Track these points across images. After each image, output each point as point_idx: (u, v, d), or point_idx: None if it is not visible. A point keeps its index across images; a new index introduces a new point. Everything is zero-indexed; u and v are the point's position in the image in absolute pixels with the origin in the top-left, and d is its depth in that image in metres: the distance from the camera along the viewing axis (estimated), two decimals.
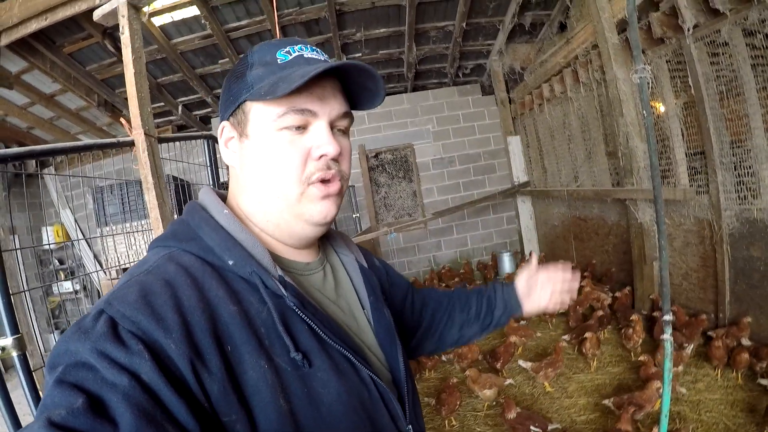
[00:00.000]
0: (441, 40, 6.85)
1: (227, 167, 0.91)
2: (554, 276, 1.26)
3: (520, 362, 3.87)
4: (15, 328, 1.69)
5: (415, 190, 8.26)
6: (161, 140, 3.09)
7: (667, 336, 1.85)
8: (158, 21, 5.20)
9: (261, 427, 0.66)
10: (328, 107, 0.82)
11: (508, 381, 3.77)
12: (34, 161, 7.02)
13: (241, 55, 0.88)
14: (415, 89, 8.21)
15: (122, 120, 2.88)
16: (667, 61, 4.04)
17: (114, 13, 2.93)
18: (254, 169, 0.82)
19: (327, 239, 1.04)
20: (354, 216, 7.72)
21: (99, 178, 5.80)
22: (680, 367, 3.37)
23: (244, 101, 0.81)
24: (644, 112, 1.86)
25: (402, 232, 7.83)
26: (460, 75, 7.94)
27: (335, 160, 0.84)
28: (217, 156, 3.55)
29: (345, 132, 0.89)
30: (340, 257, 1.03)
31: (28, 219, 7.40)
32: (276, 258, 0.84)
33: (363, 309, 0.96)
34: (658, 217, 1.94)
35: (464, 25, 6.28)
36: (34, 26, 4.01)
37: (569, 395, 3.60)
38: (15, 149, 1.94)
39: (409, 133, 8.10)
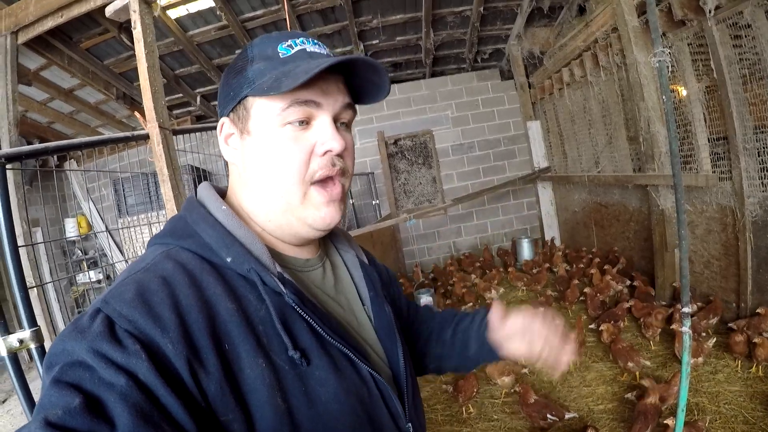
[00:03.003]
0: (458, 25, 6.77)
1: (226, 163, 0.90)
2: (530, 327, 1.02)
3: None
4: (33, 321, 1.73)
5: (435, 177, 8.24)
6: (176, 132, 3.11)
7: (686, 329, 1.81)
8: (174, 14, 5.22)
9: (258, 427, 0.65)
10: (332, 99, 0.80)
11: (525, 369, 3.77)
12: (53, 158, 7.15)
13: (239, 50, 0.87)
14: (433, 75, 8.15)
15: (137, 113, 2.92)
16: (688, 44, 3.93)
17: (125, 8, 2.96)
18: (256, 167, 0.80)
19: (327, 235, 0.99)
20: (374, 203, 7.74)
21: (117, 172, 5.89)
22: (700, 359, 3.31)
23: (246, 97, 0.79)
24: (664, 97, 1.82)
25: (422, 218, 7.83)
26: (479, 60, 7.85)
27: (339, 155, 0.82)
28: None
29: (348, 126, 0.87)
30: (341, 253, 1.02)
31: (46, 211, 7.56)
32: (275, 255, 0.83)
33: (363, 305, 0.95)
34: (678, 205, 1.90)
35: (482, 9, 6.19)
36: (50, 23, 4.07)
37: (587, 384, 3.58)
38: (30, 146, 1.97)
39: (428, 119, 8.06)
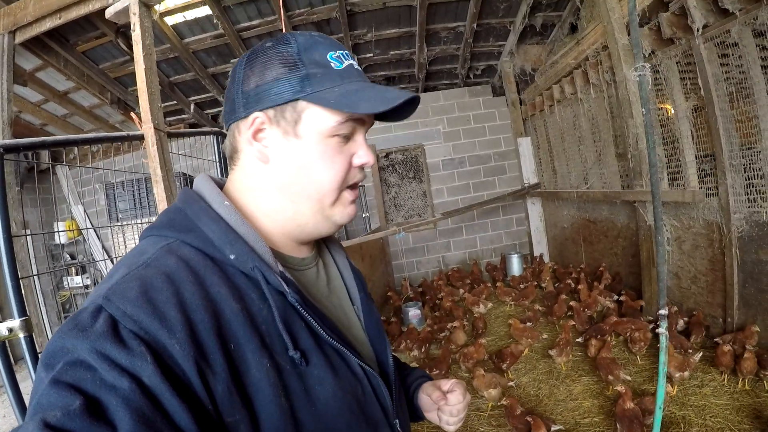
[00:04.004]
0: (452, 41, 6.86)
1: (224, 167, 0.90)
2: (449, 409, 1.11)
3: (550, 351, 4.08)
4: (23, 311, 1.76)
5: (425, 191, 8.29)
6: (171, 135, 3.14)
7: (662, 330, 1.86)
8: (171, 20, 5.26)
9: (263, 427, 0.66)
10: (369, 120, 0.86)
11: (512, 383, 3.78)
12: (47, 156, 7.13)
13: (275, 43, 0.82)
14: (426, 90, 8.23)
15: (132, 115, 2.95)
16: (677, 62, 4.02)
17: (126, 11, 3.00)
18: (297, 170, 0.82)
19: None
20: (363, 215, 7.76)
21: (113, 170, 5.88)
22: (686, 373, 3.34)
23: (297, 99, 0.79)
24: (643, 110, 1.90)
25: (411, 232, 7.86)
26: (471, 76, 7.95)
27: None
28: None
29: None
30: (332, 253, 1.04)
31: (41, 214, 7.52)
32: (275, 252, 0.83)
33: (353, 305, 0.98)
34: (655, 213, 1.96)
35: (475, 26, 6.28)
36: (48, 24, 4.10)
37: (574, 397, 3.60)
38: (27, 139, 1.98)
39: (420, 133, 8.13)
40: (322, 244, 1.03)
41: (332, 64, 0.81)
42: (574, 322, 4.59)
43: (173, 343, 0.59)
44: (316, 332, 0.76)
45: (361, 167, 0.87)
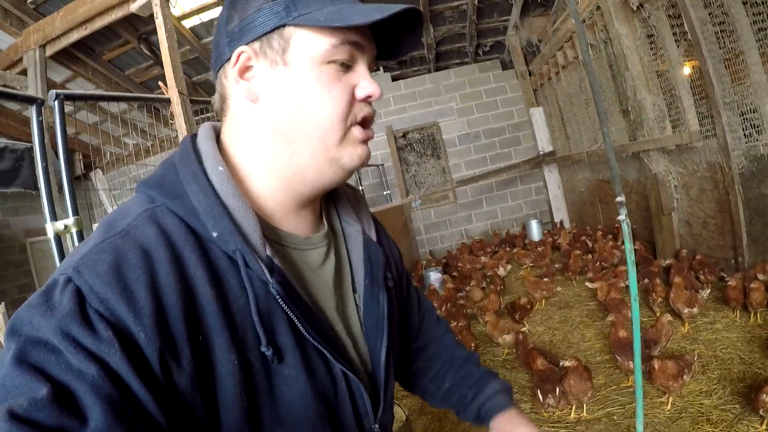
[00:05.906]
0: (457, 20, 7.08)
1: (220, 110, 0.81)
2: None
3: (587, 284, 4.45)
4: (75, 211, 2.22)
5: (444, 167, 8.54)
6: (192, 101, 3.63)
7: (623, 217, 1.96)
8: (188, 23, 5.63)
9: (223, 425, 0.63)
10: (371, 47, 0.77)
11: (524, 328, 3.96)
12: (81, 164, 7.55)
13: None
14: (438, 70, 8.45)
15: (161, 83, 3.36)
16: (667, 15, 4.14)
17: (148, 4, 3.46)
18: (290, 103, 0.72)
19: (334, 202, 0.93)
20: (385, 193, 8.06)
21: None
22: (695, 309, 3.42)
23: (284, 26, 0.71)
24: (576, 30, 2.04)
25: (430, 203, 8.17)
26: (481, 53, 8.15)
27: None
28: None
29: None
30: (344, 227, 0.91)
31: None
32: (270, 229, 0.76)
33: (355, 293, 0.87)
34: (604, 136, 2.08)
35: (476, 2, 6.46)
36: (75, 36, 4.47)
37: (587, 340, 3.75)
38: (81, 92, 2.39)
39: (434, 111, 8.37)
40: (335, 214, 0.92)
41: None
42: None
43: (139, 330, 0.55)
44: (297, 329, 0.69)
45: (368, 100, 0.76)
